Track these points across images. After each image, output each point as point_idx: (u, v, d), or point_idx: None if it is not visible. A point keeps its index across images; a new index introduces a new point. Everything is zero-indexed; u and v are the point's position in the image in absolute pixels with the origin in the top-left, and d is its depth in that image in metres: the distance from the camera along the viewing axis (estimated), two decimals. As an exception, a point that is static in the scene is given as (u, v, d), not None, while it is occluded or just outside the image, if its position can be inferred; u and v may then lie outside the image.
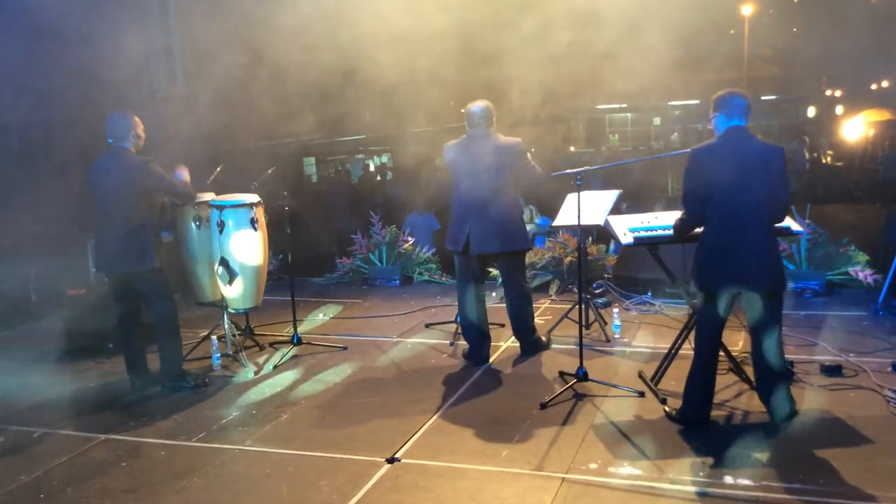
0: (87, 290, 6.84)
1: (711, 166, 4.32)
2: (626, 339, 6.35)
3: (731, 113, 4.37)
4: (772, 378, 4.54)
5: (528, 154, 5.84)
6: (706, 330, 4.50)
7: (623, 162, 7.33)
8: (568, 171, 5.23)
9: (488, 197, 5.66)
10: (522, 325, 6.05)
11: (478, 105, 5.78)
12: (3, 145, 7.72)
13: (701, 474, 3.98)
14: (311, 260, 9.55)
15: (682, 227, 4.62)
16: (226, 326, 6.27)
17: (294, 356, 6.29)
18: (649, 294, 7.44)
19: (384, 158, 27.73)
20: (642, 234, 5.04)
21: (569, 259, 8.03)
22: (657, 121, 39.31)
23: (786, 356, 4.72)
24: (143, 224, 5.41)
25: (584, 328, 5.63)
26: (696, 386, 4.52)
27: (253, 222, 5.93)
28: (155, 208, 5.55)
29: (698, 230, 4.53)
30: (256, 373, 5.92)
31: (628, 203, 9.11)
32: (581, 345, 5.26)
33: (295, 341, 6.42)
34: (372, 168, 25.39)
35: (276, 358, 6.20)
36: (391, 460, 4.34)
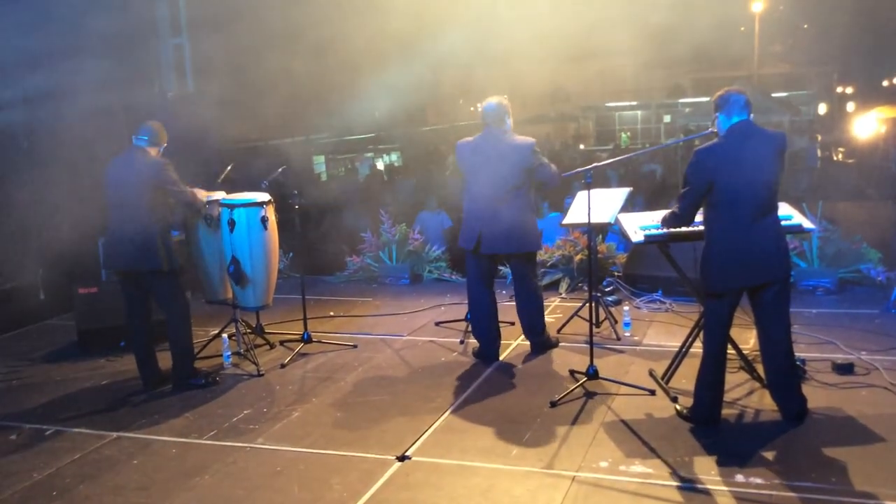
0: (98, 289, 6.86)
1: (717, 167, 4.29)
2: (636, 338, 6.34)
3: (731, 110, 4.36)
4: (783, 375, 4.53)
5: (542, 154, 5.82)
6: (716, 328, 4.49)
7: (627, 156, 7.34)
8: (578, 169, 5.23)
9: (501, 196, 5.62)
10: (533, 325, 6.04)
11: (491, 102, 5.72)
12: (12, 145, 7.76)
13: (712, 473, 3.97)
14: (321, 258, 9.57)
15: (671, 222, 4.62)
16: (237, 325, 6.29)
17: (304, 354, 6.30)
18: (660, 292, 7.42)
19: (393, 157, 27.75)
20: (653, 231, 5.02)
21: (579, 257, 8.02)
22: (667, 118, 39.22)
23: (798, 354, 4.70)
24: (156, 223, 5.44)
25: (594, 326, 5.62)
26: (706, 384, 4.51)
27: (264, 221, 5.94)
28: (167, 208, 5.57)
29: (701, 228, 4.53)
30: (266, 371, 5.95)
31: (648, 202, 9.10)
32: (591, 343, 5.26)
33: (305, 339, 6.43)
34: (381, 166, 25.42)
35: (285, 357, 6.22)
36: (402, 458, 4.35)
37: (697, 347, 4.83)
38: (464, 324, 6.68)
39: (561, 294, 7.88)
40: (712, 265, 4.37)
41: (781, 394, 4.56)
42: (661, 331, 6.51)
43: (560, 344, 6.20)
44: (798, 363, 5.08)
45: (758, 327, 4.55)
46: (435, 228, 10.41)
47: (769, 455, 4.14)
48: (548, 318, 6.62)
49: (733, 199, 4.26)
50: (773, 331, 4.46)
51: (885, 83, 37.57)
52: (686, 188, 4.42)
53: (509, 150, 5.63)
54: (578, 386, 5.13)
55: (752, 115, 4.38)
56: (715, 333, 4.48)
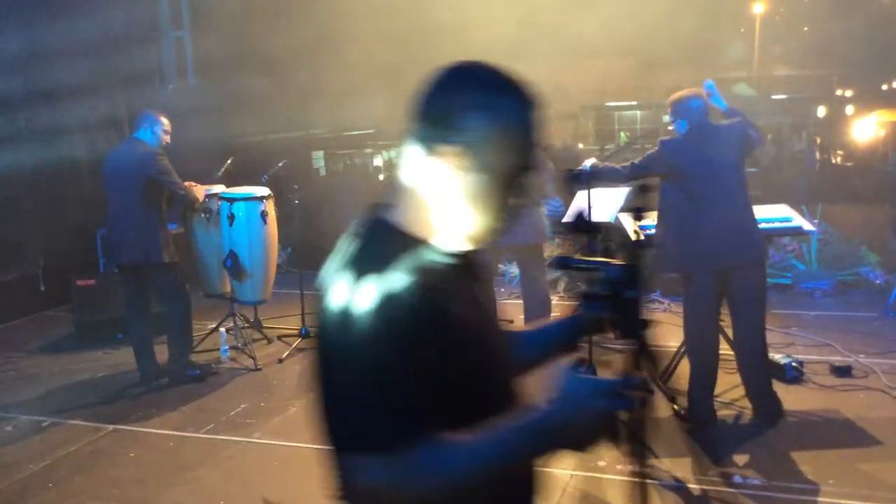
0: (97, 281, 6.84)
1: (680, 162, 4.36)
2: (634, 337, 6.31)
3: (692, 118, 4.43)
4: (753, 373, 4.50)
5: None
6: (694, 320, 4.47)
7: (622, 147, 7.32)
8: (577, 168, 5.21)
9: None
10: (540, 318, 6.01)
11: None
12: (13, 135, 7.74)
13: (710, 473, 3.98)
14: (319, 253, 9.55)
15: (612, 172, 4.65)
16: (234, 319, 6.28)
17: (302, 350, 6.29)
18: (658, 292, 7.41)
19: (392, 153, 27.68)
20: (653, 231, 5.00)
21: (577, 256, 7.99)
22: (666, 118, 39.23)
23: (795, 356, 4.70)
24: (153, 214, 5.42)
25: (592, 325, 5.58)
26: (695, 380, 4.48)
27: (263, 215, 5.92)
28: (164, 200, 5.55)
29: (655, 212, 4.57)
30: (264, 366, 5.94)
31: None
32: (590, 342, 5.24)
33: (303, 334, 6.42)
34: (380, 162, 25.37)
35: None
36: (399, 454, 4.33)
37: (696, 348, 4.83)
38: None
39: (559, 293, 7.86)
40: (669, 248, 4.39)
41: (753, 392, 4.53)
42: (658, 330, 6.48)
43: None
44: (795, 364, 5.09)
45: (731, 320, 4.53)
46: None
47: (767, 456, 4.14)
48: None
49: (696, 186, 4.31)
50: (742, 323, 4.44)
51: (885, 87, 37.54)
52: (642, 162, 4.48)
53: None
54: (576, 385, 5.11)
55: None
56: (692, 325, 4.47)
